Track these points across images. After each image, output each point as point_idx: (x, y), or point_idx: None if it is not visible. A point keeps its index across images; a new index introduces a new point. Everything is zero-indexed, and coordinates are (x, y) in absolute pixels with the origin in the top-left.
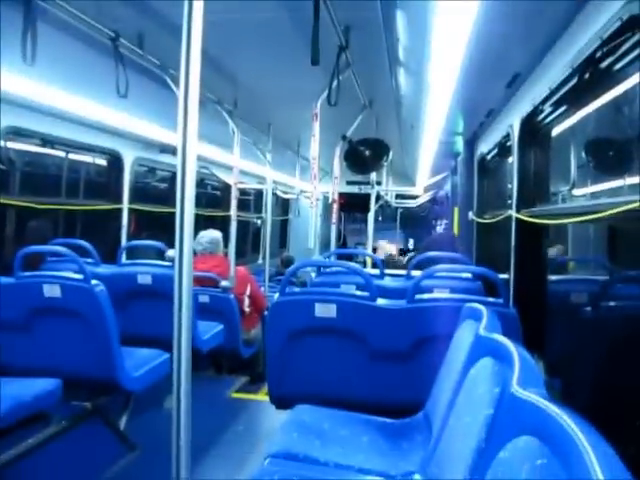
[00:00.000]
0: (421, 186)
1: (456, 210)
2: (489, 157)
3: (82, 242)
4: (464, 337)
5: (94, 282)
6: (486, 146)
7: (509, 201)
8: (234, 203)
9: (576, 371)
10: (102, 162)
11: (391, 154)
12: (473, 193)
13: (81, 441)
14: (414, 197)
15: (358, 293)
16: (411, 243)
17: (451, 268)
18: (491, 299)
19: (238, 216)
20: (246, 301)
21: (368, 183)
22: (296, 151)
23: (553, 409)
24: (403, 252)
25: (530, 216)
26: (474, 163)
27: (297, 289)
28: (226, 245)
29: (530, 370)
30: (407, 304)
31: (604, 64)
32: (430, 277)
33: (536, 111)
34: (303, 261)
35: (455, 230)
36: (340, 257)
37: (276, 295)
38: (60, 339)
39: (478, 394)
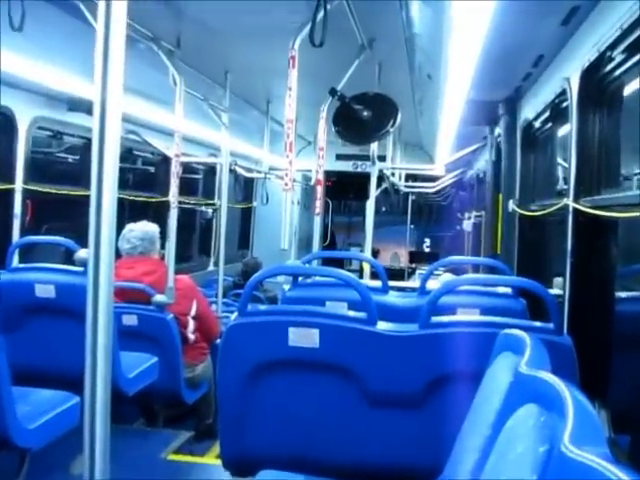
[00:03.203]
0: (442, 164)
1: (500, 198)
2: (537, 124)
3: None
4: (499, 376)
5: None
6: (533, 109)
7: (565, 186)
8: (175, 184)
9: None
10: None
11: (400, 117)
12: (514, 174)
13: None
14: (432, 179)
15: (351, 314)
16: (427, 244)
17: (482, 279)
18: (538, 323)
19: (181, 203)
20: (191, 324)
21: (367, 158)
22: (265, 111)
23: (619, 475)
24: (416, 257)
25: (593, 207)
26: (516, 132)
27: (264, 307)
28: (163, 245)
29: (588, 422)
30: (420, 330)
31: None
32: (453, 292)
33: (602, 60)
34: (273, 267)
35: (497, 227)
36: (326, 262)
37: (233, 315)
38: None
39: (517, 455)
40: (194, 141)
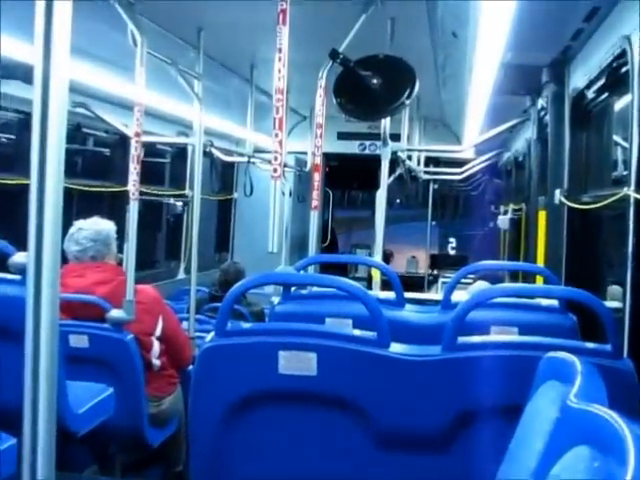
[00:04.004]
0: (471, 144)
1: (544, 188)
2: (590, 94)
3: None
4: (542, 411)
5: None
6: (585, 75)
7: (625, 172)
8: (135, 171)
9: None
10: None
11: (417, 85)
12: (562, 158)
13: None
14: (459, 164)
15: (357, 333)
16: (452, 245)
17: (522, 289)
18: (591, 345)
19: (143, 194)
20: (155, 346)
21: (377, 137)
22: (248, 79)
23: None
24: (439, 262)
25: None
26: (564, 104)
27: (247, 325)
28: (121, 247)
29: None
30: (443, 353)
31: None
32: (485, 305)
33: None
34: (259, 276)
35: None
36: (325, 269)
37: (209, 336)
38: None
39: None
40: (159, 116)
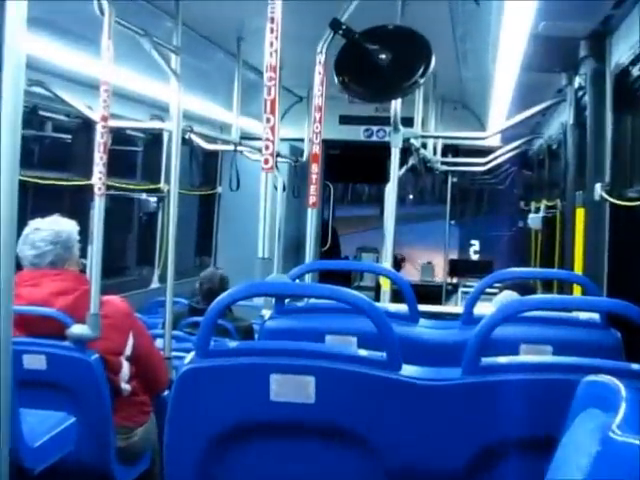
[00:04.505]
0: (497, 130)
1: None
2: (636, 71)
3: None
4: (581, 444)
5: None
6: (629, 48)
7: None
8: (101, 161)
9: None
10: None
11: (434, 61)
12: (604, 145)
13: None
14: (482, 152)
15: (363, 354)
16: (475, 248)
17: (558, 301)
18: (638, 366)
19: (111, 188)
20: (125, 368)
21: (386, 122)
22: (234, 53)
23: None
24: (460, 268)
25: None
26: (605, 83)
27: (234, 344)
28: (85, 251)
29: None
30: (465, 377)
31: None
32: (512, 320)
33: None
34: (247, 285)
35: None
36: (325, 277)
37: (189, 356)
38: None
39: None
40: (130, 97)
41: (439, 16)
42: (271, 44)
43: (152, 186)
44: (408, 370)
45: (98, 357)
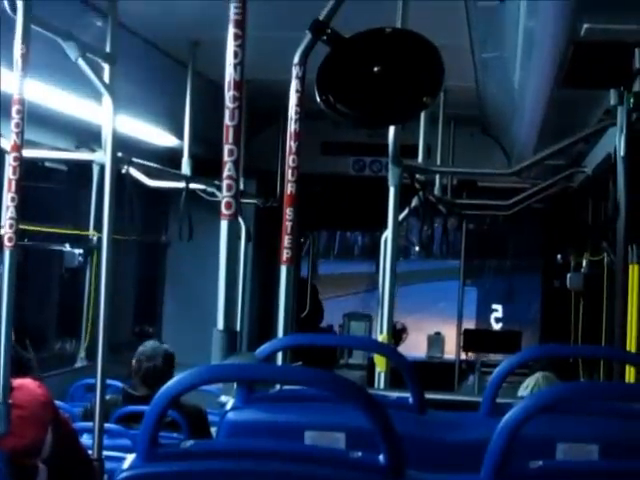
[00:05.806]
0: (525, 162)
1: None
2: None
3: None
4: None
5: None
6: None
7: None
8: (12, 203)
9: None
10: None
11: (444, 74)
12: None
13: None
14: (506, 192)
15: (355, 455)
16: (497, 314)
17: (607, 388)
18: None
19: (25, 237)
20: (42, 473)
21: (382, 150)
22: (184, 62)
23: None
24: (477, 341)
25: None
26: None
27: (188, 443)
28: None
29: None
30: None
31: None
32: (548, 412)
33: None
34: (202, 368)
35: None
36: (304, 353)
37: (128, 459)
38: None
39: None
40: (50, 121)
41: (451, 17)
42: (235, 54)
43: (78, 232)
44: (414, 478)
45: (6, 459)
